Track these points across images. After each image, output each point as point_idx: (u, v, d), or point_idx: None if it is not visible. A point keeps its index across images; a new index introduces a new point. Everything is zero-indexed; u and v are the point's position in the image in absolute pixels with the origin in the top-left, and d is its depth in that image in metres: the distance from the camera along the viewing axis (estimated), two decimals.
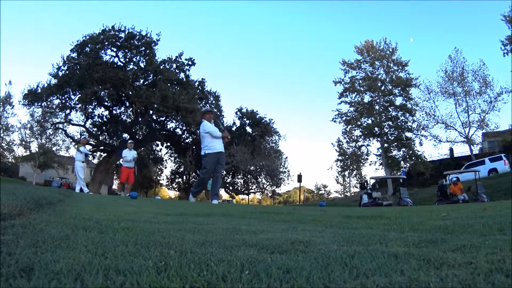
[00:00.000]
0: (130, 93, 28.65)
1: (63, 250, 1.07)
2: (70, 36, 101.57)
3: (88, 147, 33.29)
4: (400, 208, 6.75)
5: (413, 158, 31.94)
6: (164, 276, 0.83)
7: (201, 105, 32.23)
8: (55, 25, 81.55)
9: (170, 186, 41.86)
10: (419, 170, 30.49)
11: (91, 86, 27.21)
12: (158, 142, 36.19)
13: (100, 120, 33.14)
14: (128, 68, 29.44)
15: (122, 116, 33.84)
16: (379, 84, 33.54)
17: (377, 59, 34.13)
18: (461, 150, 56.77)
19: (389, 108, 33.84)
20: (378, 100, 34.05)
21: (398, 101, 33.74)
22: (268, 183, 36.62)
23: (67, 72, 28.45)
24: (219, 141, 7.39)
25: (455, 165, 28.93)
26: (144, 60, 29.83)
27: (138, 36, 29.12)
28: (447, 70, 29.24)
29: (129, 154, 11.07)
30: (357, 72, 34.91)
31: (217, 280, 0.83)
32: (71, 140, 33.03)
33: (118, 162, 36.43)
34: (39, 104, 29.47)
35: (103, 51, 28.88)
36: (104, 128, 33.41)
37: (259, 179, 36.31)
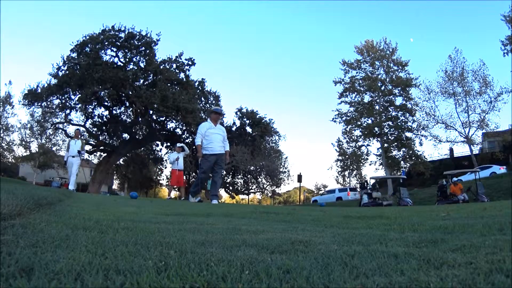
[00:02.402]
0: (130, 93, 28.64)
1: (63, 250, 1.07)
2: (70, 36, 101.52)
3: (88, 147, 33.32)
4: (400, 208, 6.75)
5: (413, 158, 31.95)
6: (164, 276, 0.83)
7: (201, 105, 32.23)
8: (55, 25, 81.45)
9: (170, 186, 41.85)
10: (419, 170, 30.49)
11: (91, 86, 27.20)
12: (158, 142, 36.19)
13: (100, 120, 33.13)
14: (128, 68, 29.43)
15: (122, 116, 33.82)
16: (379, 84, 33.54)
17: (377, 59, 34.14)
18: (461, 150, 56.75)
19: (389, 108, 33.86)
20: (378, 100, 34.05)
21: (398, 101, 33.78)
22: (268, 183, 36.60)
23: (67, 72, 28.43)
24: (218, 142, 7.26)
25: (455, 165, 28.95)
26: (144, 60, 29.82)
27: (138, 36, 29.10)
28: (447, 70, 29.22)
29: (179, 158, 11.36)
30: (357, 72, 34.93)
31: (217, 280, 0.83)
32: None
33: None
34: (39, 104, 29.45)
35: (103, 51, 28.85)
36: (104, 128, 33.40)
37: (259, 179, 36.30)
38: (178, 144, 12.14)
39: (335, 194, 28.14)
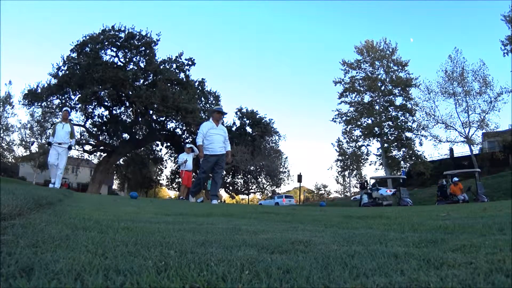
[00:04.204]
0: (130, 93, 28.65)
1: (63, 250, 1.07)
2: (70, 36, 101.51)
3: (88, 147, 33.23)
4: (400, 208, 6.75)
5: (413, 158, 31.97)
6: (164, 276, 0.83)
7: (201, 105, 32.24)
8: (55, 25, 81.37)
9: (170, 186, 41.87)
10: (419, 170, 30.49)
11: (91, 86, 27.20)
12: (158, 142, 36.18)
13: (100, 120, 33.16)
14: (128, 68, 29.44)
15: (122, 116, 33.85)
16: (379, 84, 33.56)
17: (377, 59, 34.15)
18: (461, 150, 56.70)
19: (389, 108, 33.88)
20: (378, 100, 34.08)
21: (398, 101, 33.82)
22: (268, 183, 36.65)
23: (67, 72, 28.45)
24: (219, 143, 7.25)
25: (455, 165, 28.96)
26: (144, 60, 29.84)
27: (138, 36, 29.11)
28: (447, 70, 29.25)
29: (189, 159, 11.36)
30: (357, 72, 34.96)
31: (217, 280, 0.83)
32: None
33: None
34: (39, 104, 29.48)
35: (103, 51, 28.88)
36: (104, 128, 33.41)
37: (259, 179, 36.33)
38: (188, 145, 12.02)
39: (274, 200, 33.56)
